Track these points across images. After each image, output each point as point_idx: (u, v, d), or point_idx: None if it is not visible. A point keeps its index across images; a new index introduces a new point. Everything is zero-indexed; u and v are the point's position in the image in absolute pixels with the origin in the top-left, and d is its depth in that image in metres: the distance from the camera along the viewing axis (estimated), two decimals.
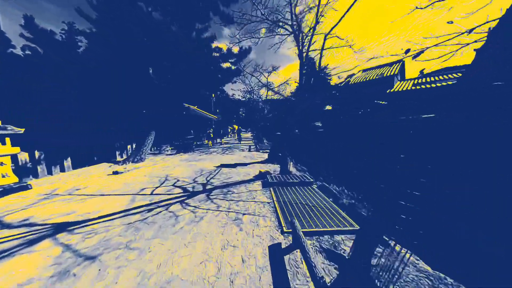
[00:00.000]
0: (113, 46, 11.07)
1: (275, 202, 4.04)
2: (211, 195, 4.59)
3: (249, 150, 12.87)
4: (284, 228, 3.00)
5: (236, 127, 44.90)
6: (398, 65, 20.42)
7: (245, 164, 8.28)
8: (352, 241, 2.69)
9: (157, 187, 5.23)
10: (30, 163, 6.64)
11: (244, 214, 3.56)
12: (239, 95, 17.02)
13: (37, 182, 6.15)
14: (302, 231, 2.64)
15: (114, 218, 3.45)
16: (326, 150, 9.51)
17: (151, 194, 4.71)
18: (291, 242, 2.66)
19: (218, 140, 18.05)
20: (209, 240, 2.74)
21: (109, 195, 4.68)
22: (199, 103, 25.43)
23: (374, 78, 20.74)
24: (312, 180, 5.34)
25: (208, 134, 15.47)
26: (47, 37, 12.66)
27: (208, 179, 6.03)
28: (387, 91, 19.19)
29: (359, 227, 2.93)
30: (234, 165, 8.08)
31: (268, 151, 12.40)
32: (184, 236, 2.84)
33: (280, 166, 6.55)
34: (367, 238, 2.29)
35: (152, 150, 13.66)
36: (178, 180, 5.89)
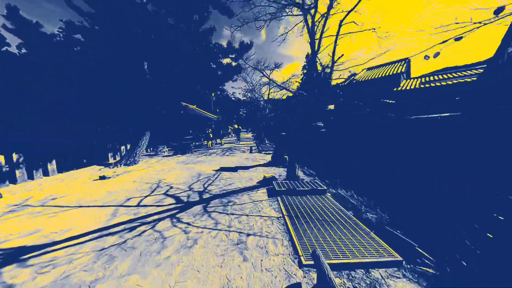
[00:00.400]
0: (109, 44, 10.39)
1: (285, 217, 3.33)
2: (209, 207, 3.88)
3: (251, 152, 12.17)
4: (302, 258, 2.29)
5: (237, 126, 44.17)
6: (404, 63, 19.77)
7: (247, 168, 7.58)
8: (397, 279, 1.98)
9: (146, 196, 4.53)
10: (7, 167, 5.93)
11: (248, 235, 2.85)
12: (239, 93, 16.24)
13: (12, 189, 5.44)
14: (328, 263, 1.93)
15: (85, 241, 2.74)
16: (333, 152, 8.81)
17: (138, 205, 4.00)
18: (315, 284, 1.95)
19: (218, 141, 17.35)
20: (203, 278, 2.03)
21: (88, 206, 3.97)
22: (199, 102, 24.75)
23: (379, 76, 20.07)
24: (324, 187, 4.64)
25: (207, 135, 14.77)
26: (32, 29, 11.96)
27: (205, 185, 5.32)
28: (394, 90, 18.53)
29: (402, 259, 2.22)
30: (235, 169, 7.37)
31: (270, 152, 11.71)
32: (170, 271, 2.13)
33: (286, 171, 5.85)
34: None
35: (148, 151, 12.96)
36: (171, 187, 5.18)
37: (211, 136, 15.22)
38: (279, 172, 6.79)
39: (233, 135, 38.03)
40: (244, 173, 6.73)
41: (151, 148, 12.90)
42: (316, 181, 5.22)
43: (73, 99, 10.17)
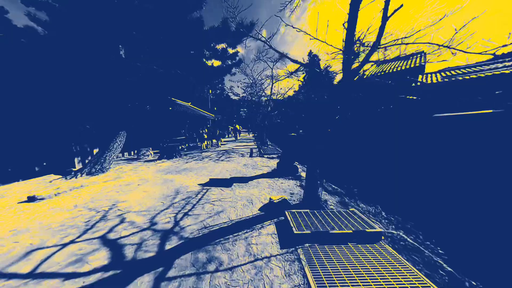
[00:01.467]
0: (77, 20, 8.48)
1: None
2: (168, 278, 1.94)
3: (251, 155, 10.23)
4: None
5: (238, 127, 42.59)
6: (419, 56, 17.78)
7: (246, 180, 5.63)
8: None
9: (62, 246, 2.59)
10: None
11: None
12: (239, 86, 14.27)
13: None
14: None
15: None
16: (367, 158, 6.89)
17: (30, 274, 2.07)
18: None
19: (215, 141, 15.42)
20: None
21: None
22: (195, 100, 22.85)
23: (392, 70, 18.06)
24: (378, 228, 2.69)
25: (201, 135, 12.85)
26: None
27: (179, 217, 3.38)
28: (413, 84, 16.72)
29: None
30: (229, 182, 5.44)
31: (274, 157, 9.77)
32: None
33: (304, 191, 3.91)
34: None
35: (129, 155, 11.04)
36: (122, 221, 3.24)
37: (206, 136, 13.31)
38: (290, 188, 4.85)
39: (233, 134, 36.42)
40: (241, 190, 4.79)
41: (134, 151, 10.98)
42: (358, 212, 3.28)
43: (26, 90, 8.22)
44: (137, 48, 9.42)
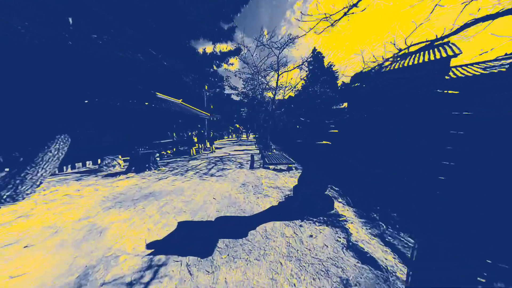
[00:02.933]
0: None
1: None
2: None
3: (252, 166, 7.67)
4: None
5: (238, 126, 40.05)
6: (447, 47, 15.10)
7: (244, 228, 3.05)
8: None
9: None
10: None
11: None
12: (240, 77, 11.62)
13: None
14: None
15: None
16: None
17: None
18: None
19: (208, 146, 12.84)
20: None
21: None
22: (186, 96, 20.25)
23: (414, 63, 15.35)
24: None
25: (190, 139, 10.29)
26: None
27: None
28: (445, 77, 14.14)
29: None
30: (210, 236, 2.85)
31: (284, 169, 7.18)
32: None
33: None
34: None
35: (94, 164, 8.45)
36: None
37: (196, 139, 10.72)
38: (337, 255, 2.26)
39: (234, 135, 33.69)
40: (234, 273, 2.20)
41: (96, 161, 8.40)
42: None
43: None
44: (98, 22, 6.82)
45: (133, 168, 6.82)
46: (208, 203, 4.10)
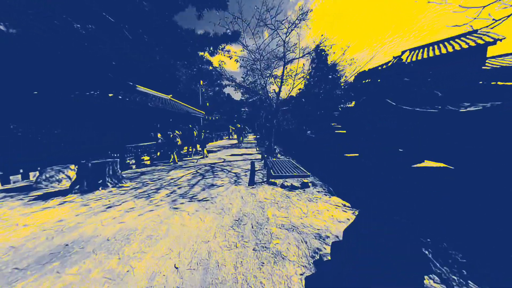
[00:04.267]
0: None
1: None
2: None
3: (251, 182, 5.53)
4: None
5: (239, 126, 37.71)
6: (482, 33, 12.85)
7: None
8: None
9: None
10: None
11: None
12: (239, 63, 9.36)
13: None
14: None
15: None
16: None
17: None
18: None
19: (199, 148, 10.68)
20: None
21: None
22: (178, 93, 18.16)
23: (443, 53, 13.09)
24: None
25: (171, 141, 8.07)
26: None
27: None
28: (484, 67, 12.17)
29: None
30: None
31: (296, 184, 4.99)
32: None
33: None
34: None
35: (25, 178, 6.32)
36: None
37: (179, 142, 8.53)
38: None
39: (234, 136, 32.05)
40: None
41: (41, 174, 6.25)
42: None
43: None
44: None
45: (78, 186, 4.67)
46: (157, 285, 1.94)
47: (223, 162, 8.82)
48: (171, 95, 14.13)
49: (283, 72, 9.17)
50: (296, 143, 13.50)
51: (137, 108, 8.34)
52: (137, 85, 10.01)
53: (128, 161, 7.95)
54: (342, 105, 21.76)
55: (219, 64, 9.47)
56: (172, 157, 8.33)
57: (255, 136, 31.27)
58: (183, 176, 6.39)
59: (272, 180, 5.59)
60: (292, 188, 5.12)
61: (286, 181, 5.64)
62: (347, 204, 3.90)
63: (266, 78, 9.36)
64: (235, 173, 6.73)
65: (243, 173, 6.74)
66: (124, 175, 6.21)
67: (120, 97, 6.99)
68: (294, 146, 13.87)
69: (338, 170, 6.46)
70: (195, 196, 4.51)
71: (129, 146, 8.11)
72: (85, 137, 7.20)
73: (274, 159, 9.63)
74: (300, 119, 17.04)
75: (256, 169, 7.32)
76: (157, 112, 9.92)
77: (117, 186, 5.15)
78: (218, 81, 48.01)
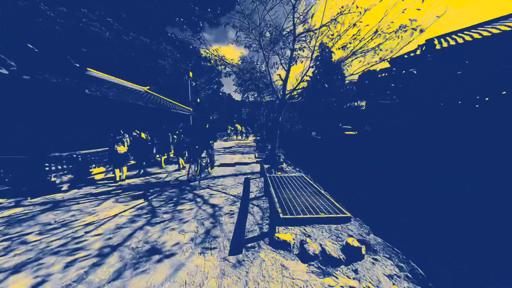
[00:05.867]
0: None
1: None
2: None
3: (237, 245, 2.62)
4: None
5: (239, 127, 35.61)
6: None
7: None
8: None
9: None
10: None
11: None
12: (239, 39, 6.34)
13: None
14: None
15: None
16: None
17: None
18: None
19: (169, 156, 7.79)
20: None
21: None
22: (166, 87, 15.34)
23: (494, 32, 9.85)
24: None
25: (111, 148, 5.11)
26: None
27: None
28: None
29: None
30: None
31: (320, 231, 2.14)
32: None
33: None
34: None
35: None
36: None
37: (123, 148, 5.51)
38: None
39: (234, 137, 30.32)
40: None
41: None
42: None
43: None
44: None
45: None
46: None
47: (202, 177, 5.95)
48: (148, 87, 11.26)
49: (292, 49, 6.28)
50: (304, 147, 10.60)
51: (79, 99, 5.49)
52: (88, 68, 7.20)
53: (53, 178, 5.10)
54: (349, 104, 18.79)
55: (204, 47, 6.56)
56: (116, 174, 5.45)
57: (254, 138, 28.33)
58: (115, 216, 3.51)
59: (280, 236, 2.70)
60: (326, 261, 2.26)
61: (309, 235, 2.77)
62: None
63: (269, 56, 6.44)
64: (213, 207, 3.84)
65: (228, 207, 3.86)
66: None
67: (39, 78, 4.11)
68: (300, 150, 10.97)
69: (397, 202, 3.62)
70: None
71: (61, 154, 5.26)
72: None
73: (279, 173, 6.73)
74: (305, 119, 14.17)
75: (251, 196, 4.45)
76: (119, 106, 7.06)
77: None
78: (217, 79, 45.05)
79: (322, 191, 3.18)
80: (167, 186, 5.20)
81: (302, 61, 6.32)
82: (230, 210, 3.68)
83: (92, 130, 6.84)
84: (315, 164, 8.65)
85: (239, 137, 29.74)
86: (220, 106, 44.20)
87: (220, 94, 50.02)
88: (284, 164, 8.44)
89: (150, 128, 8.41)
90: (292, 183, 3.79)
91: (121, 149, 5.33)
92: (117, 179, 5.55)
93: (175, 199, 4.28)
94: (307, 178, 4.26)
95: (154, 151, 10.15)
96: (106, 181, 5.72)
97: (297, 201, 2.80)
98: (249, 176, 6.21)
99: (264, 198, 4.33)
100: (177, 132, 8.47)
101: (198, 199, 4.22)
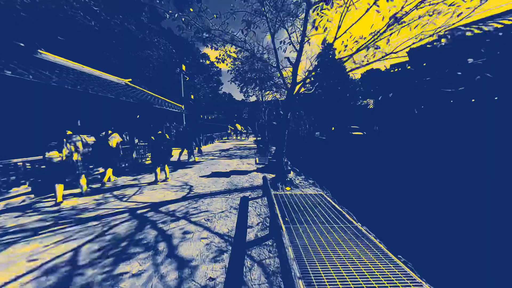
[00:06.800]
0: None
1: None
2: None
3: None
4: None
5: (239, 127, 34.52)
6: None
7: None
8: None
9: None
10: None
11: None
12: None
13: None
14: None
15: None
16: None
17: None
18: None
19: (148, 162, 6.13)
20: None
21: None
22: (159, 82, 13.71)
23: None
24: None
25: (43, 158, 3.42)
26: None
27: None
28: None
29: None
30: None
31: None
32: None
33: None
34: None
35: None
36: None
37: (60, 155, 3.84)
38: None
39: (234, 137, 30.13)
40: None
41: None
42: None
43: None
44: None
45: None
46: None
47: (181, 197, 4.27)
48: (130, 79, 9.61)
49: (304, 30, 4.58)
50: (316, 151, 8.88)
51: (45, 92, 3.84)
52: (40, 50, 5.58)
53: None
54: (355, 102, 17.07)
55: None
56: (57, 194, 3.75)
57: (255, 138, 26.55)
58: (38, 259, 1.83)
59: None
60: None
61: None
62: None
63: (275, 28, 4.71)
64: (180, 269, 2.14)
65: (207, 266, 2.15)
66: None
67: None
68: (310, 154, 9.25)
69: None
70: None
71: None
72: None
73: (288, 188, 5.06)
74: (312, 118, 12.44)
75: (249, 236, 2.74)
76: (75, 98, 5.38)
77: None
78: (216, 77, 43.20)
79: (363, 230, 1.52)
80: (124, 213, 3.51)
81: (326, 28, 4.54)
82: (209, 278, 1.98)
83: (28, 130, 5.12)
84: (334, 173, 6.93)
85: (239, 137, 29.71)
86: (220, 106, 42.51)
87: (221, 93, 48.32)
88: (291, 173, 6.74)
89: (133, 128, 6.71)
90: (309, 207, 2.48)
91: (57, 155, 3.64)
92: (58, 199, 3.85)
93: (124, 242, 2.59)
94: (330, 200, 2.69)
95: (134, 155, 8.47)
96: (40, 204, 4.01)
97: (327, 253, 1.19)
98: (247, 194, 4.51)
99: (270, 241, 2.63)
100: (159, 132, 6.79)
101: (161, 246, 2.52)
